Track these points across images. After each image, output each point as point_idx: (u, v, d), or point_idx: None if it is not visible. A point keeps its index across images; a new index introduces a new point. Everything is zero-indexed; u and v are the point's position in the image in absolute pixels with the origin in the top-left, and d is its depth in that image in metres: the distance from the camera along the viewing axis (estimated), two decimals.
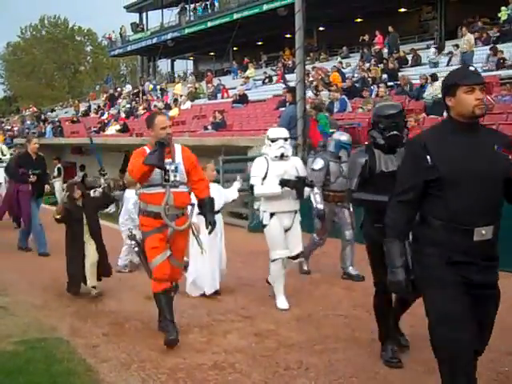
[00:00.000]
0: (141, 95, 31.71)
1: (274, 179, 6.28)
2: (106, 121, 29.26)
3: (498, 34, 19.84)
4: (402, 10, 29.60)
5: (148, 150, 5.26)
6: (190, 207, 5.57)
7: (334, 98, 16.67)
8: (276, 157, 6.29)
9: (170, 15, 39.61)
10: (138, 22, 44.37)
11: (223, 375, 4.61)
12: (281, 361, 4.25)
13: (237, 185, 7.55)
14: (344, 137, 7.87)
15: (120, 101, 33.98)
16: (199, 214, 5.64)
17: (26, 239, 10.02)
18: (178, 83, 33.91)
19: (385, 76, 18.94)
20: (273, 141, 6.36)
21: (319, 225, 7.86)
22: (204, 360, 4.90)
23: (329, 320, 5.95)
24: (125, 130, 25.28)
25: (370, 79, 18.77)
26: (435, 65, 19.13)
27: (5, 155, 15.54)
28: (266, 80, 27.17)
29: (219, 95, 27.28)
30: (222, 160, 12.91)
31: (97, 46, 65.91)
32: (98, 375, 4.65)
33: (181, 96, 28.54)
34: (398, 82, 17.36)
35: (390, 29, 23.17)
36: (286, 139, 6.41)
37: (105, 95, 37.83)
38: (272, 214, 6.39)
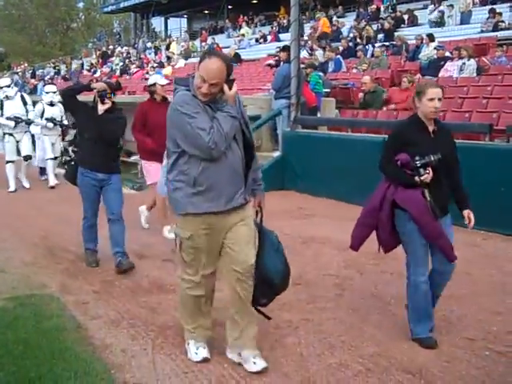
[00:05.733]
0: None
1: None
2: (98, 79, 28.91)
3: None
4: None
5: None
6: None
7: (328, 57, 16.50)
8: None
9: None
10: None
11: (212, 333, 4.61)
12: (271, 320, 4.27)
13: None
14: None
15: (113, 59, 33.56)
16: None
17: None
18: (172, 41, 33.46)
19: (381, 36, 18.73)
20: None
21: None
22: None
23: (319, 280, 5.93)
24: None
25: (364, 39, 18.54)
26: (436, 24, 18.83)
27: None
28: (261, 39, 26.84)
29: None
30: None
31: (89, 2, 64.69)
32: (88, 332, 4.66)
33: (174, 54, 28.22)
34: (394, 42, 17.18)
35: None
36: None
37: (97, 53, 37.34)
38: None
